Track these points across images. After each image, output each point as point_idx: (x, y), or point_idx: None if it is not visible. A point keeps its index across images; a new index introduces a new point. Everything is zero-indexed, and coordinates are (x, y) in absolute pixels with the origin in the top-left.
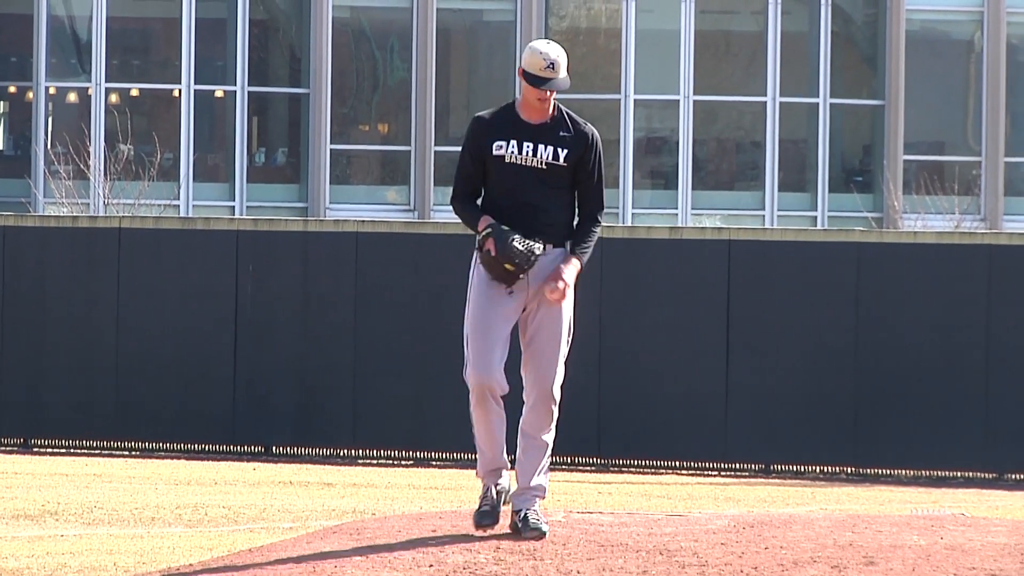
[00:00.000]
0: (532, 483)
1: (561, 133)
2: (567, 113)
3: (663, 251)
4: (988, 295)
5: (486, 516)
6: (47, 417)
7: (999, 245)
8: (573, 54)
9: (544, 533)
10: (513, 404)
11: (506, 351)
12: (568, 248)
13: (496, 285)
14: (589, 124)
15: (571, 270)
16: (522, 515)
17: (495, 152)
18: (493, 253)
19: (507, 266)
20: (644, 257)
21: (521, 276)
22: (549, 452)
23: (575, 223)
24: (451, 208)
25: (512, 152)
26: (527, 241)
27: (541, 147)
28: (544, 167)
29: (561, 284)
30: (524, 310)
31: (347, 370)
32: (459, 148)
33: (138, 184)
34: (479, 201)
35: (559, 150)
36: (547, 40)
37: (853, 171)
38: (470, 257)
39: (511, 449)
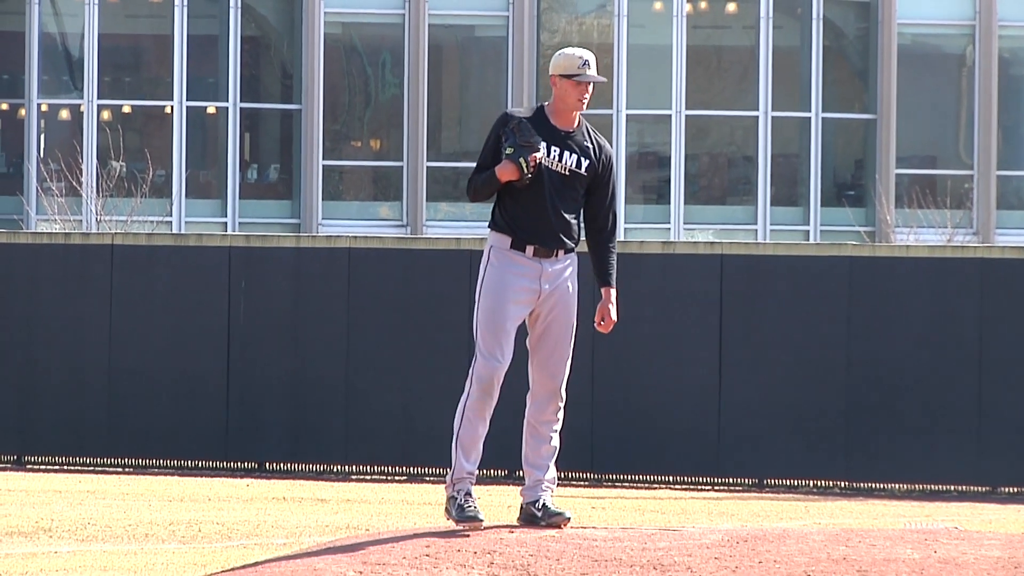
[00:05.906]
0: (546, 476)
1: (585, 144)
2: (589, 127)
3: (656, 266)
4: (980, 309)
5: (470, 517)
6: (40, 434)
7: (991, 259)
8: None
9: (569, 517)
10: (513, 409)
11: (512, 347)
12: (602, 274)
13: (511, 283)
14: (606, 140)
15: (613, 303)
16: (540, 503)
17: None
18: (534, 164)
19: (525, 161)
20: (637, 272)
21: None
22: (557, 445)
23: (593, 242)
24: (468, 196)
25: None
26: (523, 149)
27: (567, 153)
28: (567, 173)
29: (613, 317)
30: (532, 312)
31: (340, 386)
32: (452, 164)
33: (130, 201)
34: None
35: (581, 159)
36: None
37: (845, 185)
38: (462, 272)
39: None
